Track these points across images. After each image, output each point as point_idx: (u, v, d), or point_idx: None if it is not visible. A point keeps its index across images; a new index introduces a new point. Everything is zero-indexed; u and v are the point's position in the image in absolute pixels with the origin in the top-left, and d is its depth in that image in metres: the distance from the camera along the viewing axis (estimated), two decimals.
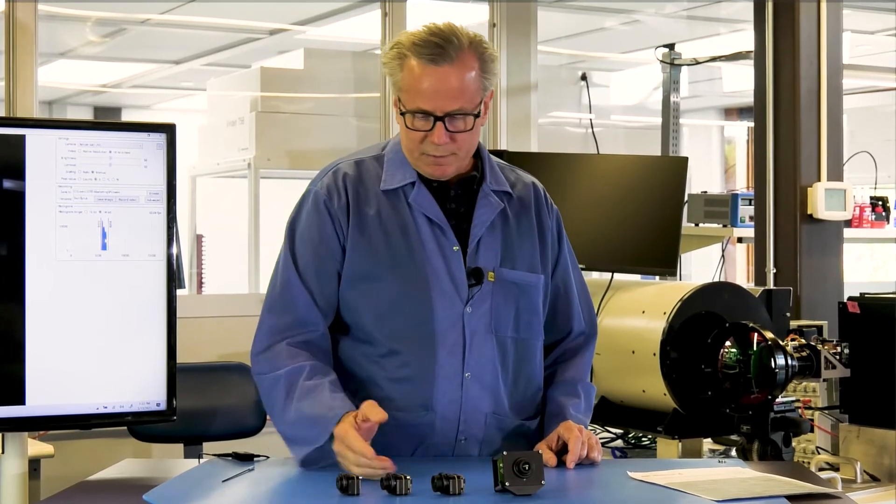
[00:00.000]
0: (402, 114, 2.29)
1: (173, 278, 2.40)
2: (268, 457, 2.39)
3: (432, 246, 2.34)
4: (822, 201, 4.16)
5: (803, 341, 3.16)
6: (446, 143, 2.27)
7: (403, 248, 2.34)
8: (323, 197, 2.37)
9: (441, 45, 2.23)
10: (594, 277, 3.78)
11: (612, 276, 3.51)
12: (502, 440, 2.38)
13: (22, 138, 2.31)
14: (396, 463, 2.20)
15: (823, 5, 4.23)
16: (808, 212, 4.19)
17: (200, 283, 6.64)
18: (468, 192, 2.39)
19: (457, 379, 2.34)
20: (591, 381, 2.55)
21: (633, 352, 3.20)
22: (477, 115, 2.28)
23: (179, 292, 2.45)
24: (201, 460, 2.43)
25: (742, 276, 9.15)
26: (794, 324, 3.50)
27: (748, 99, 4.64)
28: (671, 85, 5.61)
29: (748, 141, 10.89)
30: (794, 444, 3.07)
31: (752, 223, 4.30)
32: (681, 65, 5.66)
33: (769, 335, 2.96)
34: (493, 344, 2.37)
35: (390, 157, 2.39)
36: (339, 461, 2.19)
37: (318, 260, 2.37)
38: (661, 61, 5.65)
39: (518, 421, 2.42)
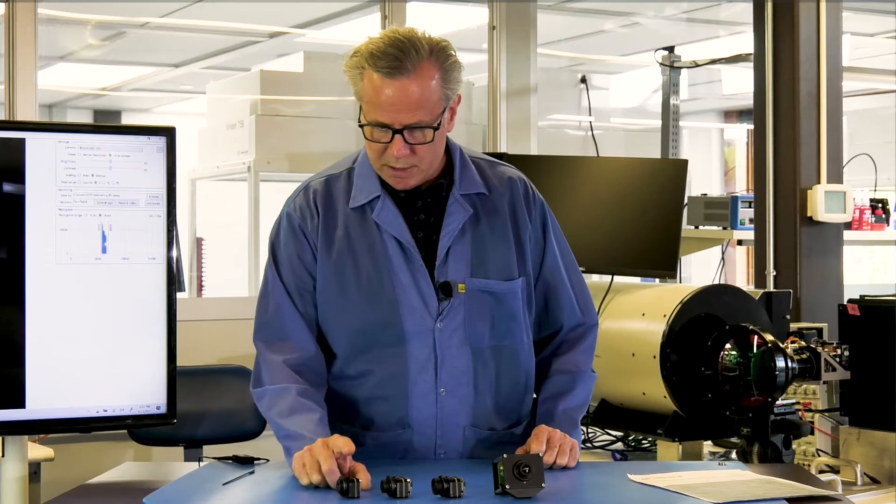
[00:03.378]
0: (361, 125, 2.24)
1: (173, 281, 2.40)
2: (268, 460, 2.39)
3: (399, 262, 2.31)
4: (821, 203, 4.16)
5: (803, 344, 3.17)
6: (406, 156, 2.22)
7: (371, 267, 2.31)
8: (297, 220, 2.35)
9: (398, 58, 2.17)
10: (594, 280, 3.78)
11: (612, 279, 3.51)
12: (485, 450, 2.35)
13: (22, 142, 2.31)
14: (396, 465, 2.21)
15: (823, 7, 4.23)
16: (808, 214, 4.19)
17: (200, 287, 6.65)
18: (437, 199, 2.34)
19: (431, 395, 2.32)
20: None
21: (633, 354, 3.20)
22: (437, 128, 2.22)
23: (179, 295, 2.45)
24: (201, 463, 2.43)
25: (742, 278, 9.17)
26: (794, 326, 3.50)
27: (748, 101, 4.64)
28: (671, 87, 5.61)
29: (748, 143, 10.90)
30: (794, 446, 3.07)
31: (752, 225, 4.30)
32: (680, 67, 5.66)
33: (769, 338, 2.96)
34: (468, 356, 2.33)
35: (358, 172, 2.35)
36: (297, 465, 2.15)
37: (300, 283, 2.35)
38: (661, 64, 5.65)
39: (502, 430, 2.40)
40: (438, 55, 2.21)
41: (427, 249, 2.32)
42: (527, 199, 2.42)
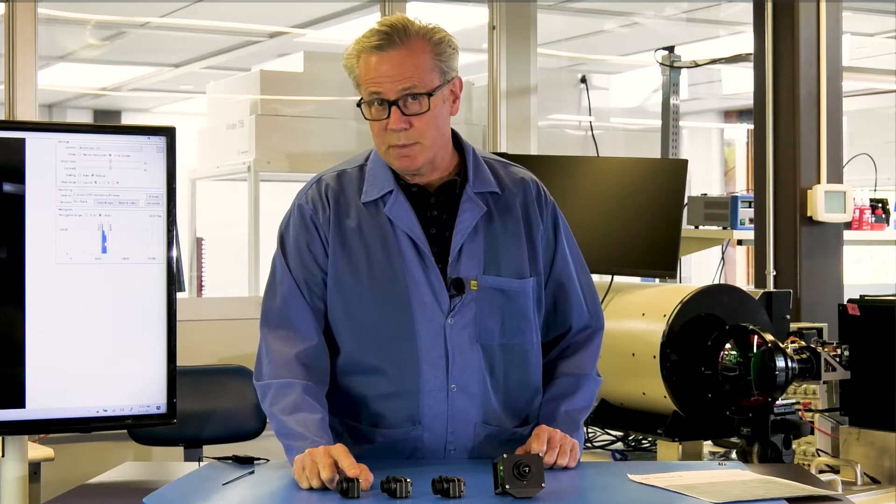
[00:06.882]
0: (359, 105, 2.29)
1: (173, 281, 2.40)
2: (268, 460, 2.39)
3: (412, 257, 2.31)
4: (821, 203, 4.16)
5: (803, 343, 3.17)
6: (405, 129, 2.25)
7: (384, 261, 2.32)
8: (309, 211, 2.36)
9: (387, 33, 2.25)
10: (594, 280, 3.78)
11: (612, 279, 3.51)
12: (495, 448, 2.34)
13: (22, 142, 2.31)
14: (398, 465, 2.20)
15: (823, 7, 4.23)
16: (808, 214, 4.19)
17: (200, 287, 6.65)
18: (450, 196, 2.35)
19: (442, 392, 2.32)
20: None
21: (633, 354, 3.20)
22: (430, 95, 2.25)
23: (179, 295, 2.45)
24: (201, 463, 2.43)
25: (742, 278, 9.17)
26: (793, 326, 3.50)
27: (748, 101, 4.64)
28: (671, 87, 5.61)
29: (748, 143, 10.90)
30: (794, 446, 3.07)
31: (752, 225, 4.30)
32: (680, 67, 5.66)
33: (769, 337, 2.96)
34: (478, 353, 2.34)
35: (371, 168, 2.37)
36: (297, 468, 2.15)
37: (309, 274, 2.35)
38: (661, 64, 5.65)
39: (511, 428, 2.40)
40: (427, 32, 2.29)
41: (439, 246, 2.33)
42: (539, 200, 2.44)
